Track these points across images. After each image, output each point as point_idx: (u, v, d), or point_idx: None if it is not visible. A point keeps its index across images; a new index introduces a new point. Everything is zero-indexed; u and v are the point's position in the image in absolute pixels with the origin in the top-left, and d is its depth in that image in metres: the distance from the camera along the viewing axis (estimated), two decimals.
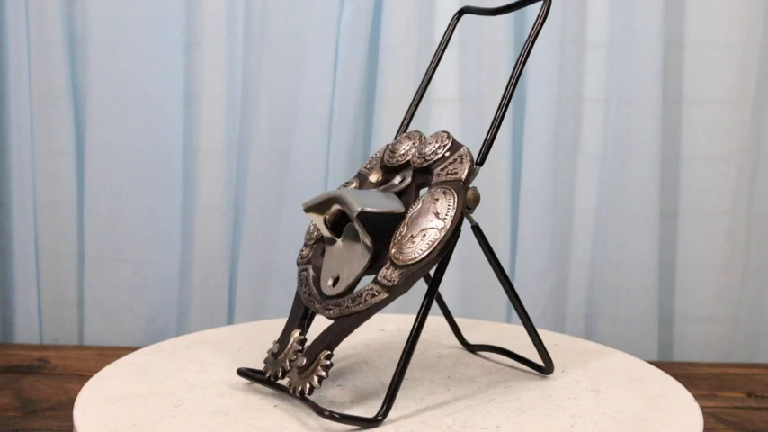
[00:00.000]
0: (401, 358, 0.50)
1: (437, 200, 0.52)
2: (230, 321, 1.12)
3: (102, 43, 1.07)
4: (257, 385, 0.57)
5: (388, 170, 0.58)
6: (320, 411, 0.50)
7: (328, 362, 0.51)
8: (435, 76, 1.09)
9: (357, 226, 0.52)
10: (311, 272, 0.56)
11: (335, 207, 0.54)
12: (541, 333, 0.73)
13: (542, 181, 1.06)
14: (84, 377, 0.59)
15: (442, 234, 0.50)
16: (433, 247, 0.50)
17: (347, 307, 0.52)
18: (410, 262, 0.50)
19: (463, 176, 0.53)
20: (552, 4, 1.06)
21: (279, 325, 0.69)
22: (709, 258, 1.08)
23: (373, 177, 0.58)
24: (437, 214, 0.51)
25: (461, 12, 0.64)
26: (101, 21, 1.07)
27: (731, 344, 1.09)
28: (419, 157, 0.55)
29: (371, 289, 0.51)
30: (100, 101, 1.08)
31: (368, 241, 0.53)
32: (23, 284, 1.11)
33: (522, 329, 0.63)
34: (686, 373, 0.98)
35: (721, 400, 0.92)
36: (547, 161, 1.06)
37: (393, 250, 0.51)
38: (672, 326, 1.11)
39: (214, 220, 1.10)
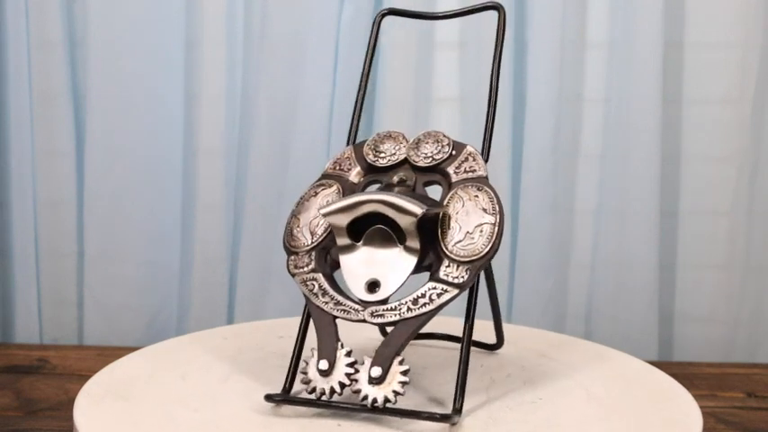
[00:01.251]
0: (462, 351, 0.52)
1: (476, 196, 0.54)
2: (230, 321, 1.12)
3: (102, 43, 1.07)
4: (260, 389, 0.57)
5: (376, 170, 0.57)
6: (407, 414, 0.50)
7: (406, 367, 0.50)
8: (435, 76, 1.09)
9: (413, 229, 0.52)
10: (323, 280, 0.54)
11: (364, 211, 0.52)
12: (542, 333, 0.73)
13: (542, 181, 1.06)
14: (84, 377, 0.59)
15: (496, 228, 0.53)
16: (492, 242, 0.53)
17: (409, 309, 0.52)
18: (475, 258, 0.52)
19: (486, 173, 0.56)
20: (551, 3, 1.06)
21: (279, 325, 0.69)
22: (709, 258, 1.08)
23: (354, 179, 0.57)
24: (485, 210, 0.54)
25: (385, 13, 0.63)
26: (101, 21, 1.07)
27: (731, 344, 1.09)
28: (425, 157, 0.56)
29: (435, 288, 0.52)
30: (100, 101, 1.08)
31: (416, 244, 0.53)
32: (23, 284, 1.11)
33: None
34: (686, 373, 0.98)
35: (721, 400, 0.92)
36: (547, 161, 1.06)
37: (451, 248, 0.52)
38: (672, 326, 1.11)
39: (214, 220, 1.10)
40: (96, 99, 1.08)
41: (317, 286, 0.53)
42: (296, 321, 0.71)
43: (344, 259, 0.54)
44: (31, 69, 1.08)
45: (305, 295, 0.54)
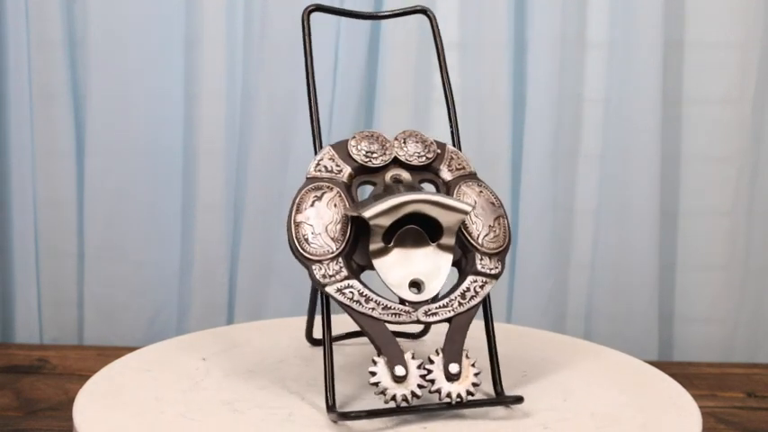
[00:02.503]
0: (488, 337, 0.54)
1: (481, 192, 0.58)
2: (230, 321, 1.12)
3: (102, 43, 1.07)
4: (261, 383, 0.57)
5: (367, 171, 0.56)
6: (487, 403, 0.52)
7: (474, 359, 0.52)
8: (435, 77, 1.09)
9: (456, 227, 0.54)
10: (360, 286, 0.52)
11: (407, 211, 0.52)
12: (541, 333, 0.73)
13: (542, 181, 1.06)
14: (84, 377, 0.59)
15: (507, 220, 0.57)
16: (509, 233, 0.57)
17: (460, 304, 0.53)
18: (501, 249, 0.56)
19: (474, 170, 0.59)
20: (551, 3, 1.06)
21: (279, 325, 0.69)
22: (709, 258, 1.08)
23: (346, 180, 0.56)
24: (493, 204, 0.57)
25: (312, 9, 0.62)
26: (101, 21, 1.07)
27: (731, 344, 1.09)
28: (417, 156, 0.57)
29: (476, 281, 0.54)
30: (100, 101, 1.08)
31: (452, 241, 0.54)
32: (23, 284, 1.11)
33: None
34: (686, 373, 0.98)
35: (721, 400, 0.92)
36: (547, 161, 1.06)
37: (481, 241, 0.55)
38: (672, 326, 1.11)
39: (214, 220, 1.10)
40: (96, 99, 1.08)
41: (356, 293, 0.52)
42: (296, 321, 0.71)
43: (380, 262, 0.53)
44: (31, 69, 1.08)
45: (344, 305, 0.52)
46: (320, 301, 0.53)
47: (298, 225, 0.54)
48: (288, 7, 1.06)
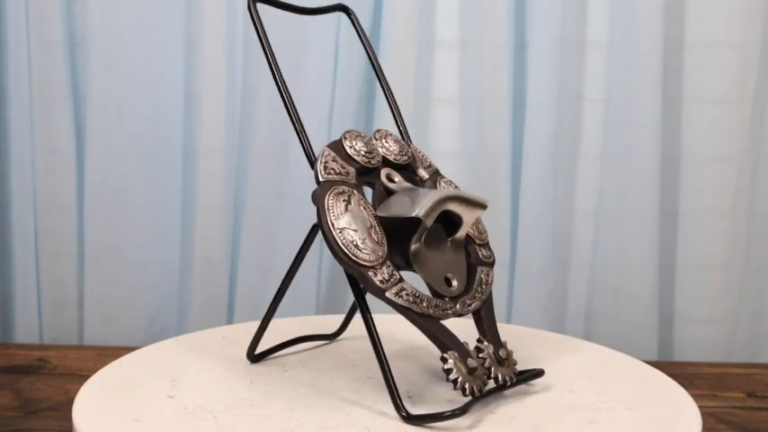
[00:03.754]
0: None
1: (456, 187, 0.60)
2: (230, 321, 1.12)
3: (102, 44, 1.07)
4: (260, 378, 0.57)
5: (368, 171, 0.56)
6: (527, 378, 0.56)
7: (505, 340, 0.56)
8: (435, 77, 1.09)
9: (472, 222, 0.56)
10: (410, 287, 0.52)
11: (445, 208, 0.54)
12: (542, 334, 0.73)
13: (542, 181, 1.06)
14: (84, 377, 0.59)
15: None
16: (482, 224, 0.60)
17: (481, 293, 0.56)
18: (487, 240, 0.60)
19: (437, 167, 0.61)
20: (551, 3, 1.06)
21: (279, 325, 0.69)
22: (709, 258, 1.08)
23: (355, 181, 0.56)
24: None
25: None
26: (101, 21, 1.07)
27: (731, 344, 1.09)
28: (403, 155, 0.58)
29: (483, 271, 0.57)
30: (100, 101, 1.08)
31: (464, 236, 0.57)
32: (23, 284, 1.11)
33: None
34: (686, 373, 0.98)
35: (721, 400, 0.92)
36: (546, 161, 1.06)
37: (475, 234, 0.58)
38: (672, 326, 1.11)
39: (214, 220, 1.10)
40: (96, 99, 1.08)
41: (411, 295, 0.52)
42: (296, 321, 0.71)
43: (416, 261, 0.54)
44: (31, 69, 1.08)
45: (404, 308, 0.51)
46: (361, 307, 0.53)
47: (341, 231, 0.52)
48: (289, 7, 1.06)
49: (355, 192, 0.54)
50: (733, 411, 0.88)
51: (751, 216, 1.08)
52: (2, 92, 1.09)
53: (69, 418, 0.53)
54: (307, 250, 0.58)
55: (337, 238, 0.51)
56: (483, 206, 0.55)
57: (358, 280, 0.52)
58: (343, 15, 1.10)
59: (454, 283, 0.55)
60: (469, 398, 0.51)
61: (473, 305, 0.55)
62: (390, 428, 0.50)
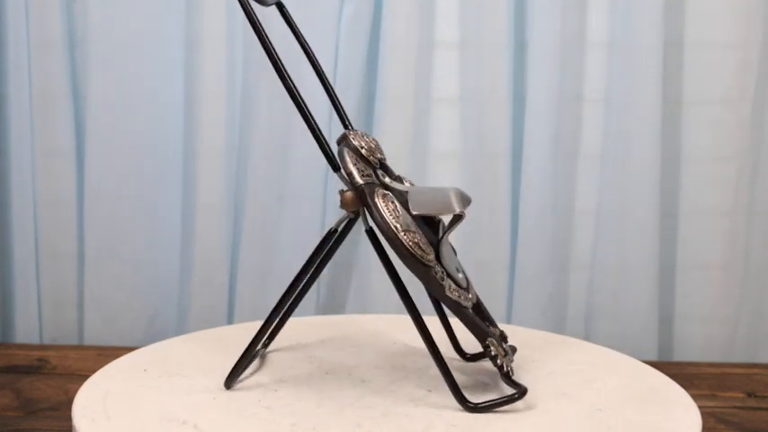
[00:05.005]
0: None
1: (412, 184, 0.60)
2: (230, 321, 1.12)
3: (102, 43, 1.07)
4: (259, 377, 0.57)
5: (375, 170, 0.57)
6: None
7: None
8: (435, 77, 1.09)
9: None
10: (450, 281, 0.54)
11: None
12: (542, 334, 0.73)
13: (542, 181, 1.06)
14: (84, 377, 0.59)
15: None
16: None
17: (473, 286, 0.58)
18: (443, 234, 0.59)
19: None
20: (551, 3, 1.06)
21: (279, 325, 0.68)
22: (709, 258, 1.08)
23: (380, 182, 0.57)
24: None
25: None
26: (101, 21, 1.07)
27: (731, 344, 1.09)
28: (382, 154, 0.59)
29: (458, 269, 0.58)
30: (100, 101, 1.08)
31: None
32: (23, 284, 1.11)
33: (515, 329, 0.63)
34: (686, 373, 0.98)
35: (721, 400, 0.92)
36: (547, 161, 1.06)
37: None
38: (672, 326, 1.11)
39: (214, 221, 1.10)
40: (96, 99, 1.08)
41: (456, 290, 0.54)
42: (296, 321, 0.71)
43: (441, 254, 0.55)
44: (31, 69, 1.08)
45: (456, 303, 0.53)
46: (412, 307, 0.54)
47: (406, 233, 0.52)
48: (288, 7, 1.06)
49: (388, 192, 0.54)
50: (733, 411, 0.88)
51: (751, 216, 1.08)
52: (2, 92, 1.09)
53: (69, 418, 0.53)
54: (328, 258, 0.56)
55: (404, 241, 0.51)
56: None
57: (422, 280, 0.52)
58: (343, 15, 1.10)
59: (460, 275, 0.56)
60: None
61: (475, 294, 0.57)
62: (461, 419, 0.52)
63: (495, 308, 1.08)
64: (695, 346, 1.10)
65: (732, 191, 1.07)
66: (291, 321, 0.72)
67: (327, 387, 0.57)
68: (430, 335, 0.52)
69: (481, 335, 0.53)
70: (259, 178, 1.09)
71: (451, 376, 0.52)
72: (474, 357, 0.63)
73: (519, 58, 1.07)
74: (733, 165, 1.06)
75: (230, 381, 0.57)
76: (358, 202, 0.52)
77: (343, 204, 0.52)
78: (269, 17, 1.07)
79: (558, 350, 0.66)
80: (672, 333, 1.11)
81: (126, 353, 0.64)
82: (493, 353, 0.53)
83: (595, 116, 1.08)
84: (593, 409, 0.54)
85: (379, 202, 0.52)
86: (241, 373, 0.58)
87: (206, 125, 1.09)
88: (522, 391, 0.53)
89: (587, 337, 1.09)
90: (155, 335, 1.10)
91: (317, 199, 1.09)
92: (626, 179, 1.06)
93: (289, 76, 0.57)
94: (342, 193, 0.53)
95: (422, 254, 0.52)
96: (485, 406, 0.52)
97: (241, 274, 1.10)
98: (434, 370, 0.59)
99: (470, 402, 0.52)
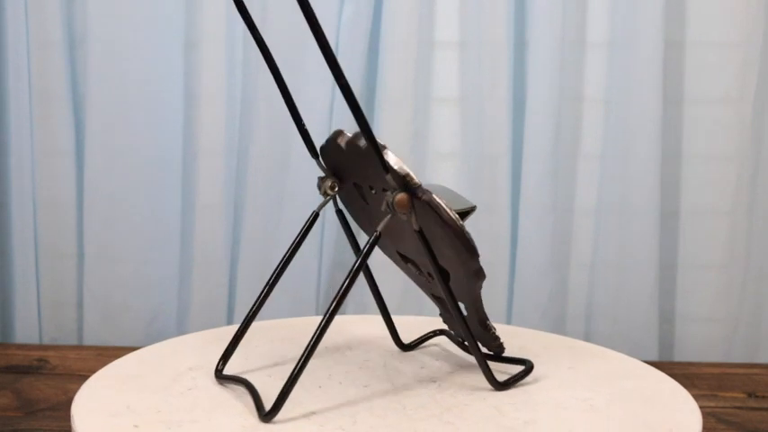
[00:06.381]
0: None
1: None
2: (230, 321, 1.12)
3: (102, 43, 1.07)
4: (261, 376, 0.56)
5: None
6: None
7: None
8: (435, 77, 1.09)
9: None
10: None
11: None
12: (542, 334, 0.73)
13: (542, 181, 1.06)
14: (83, 377, 0.59)
15: None
16: None
17: None
18: None
19: None
20: (551, 3, 1.06)
21: (279, 325, 0.69)
22: (709, 258, 1.08)
23: None
24: None
25: None
26: (101, 21, 1.07)
27: (731, 344, 1.09)
28: None
29: None
30: (100, 101, 1.08)
31: None
32: (23, 284, 1.11)
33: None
34: (686, 373, 0.98)
35: (721, 400, 0.92)
36: (547, 161, 1.06)
37: None
38: (672, 326, 1.11)
39: (214, 221, 1.10)
40: (96, 99, 1.08)
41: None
42: (296, 322, 0.71)
43: None
44: (31, 69, 1.08)
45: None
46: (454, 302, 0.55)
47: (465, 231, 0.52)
48: (288, 7, 1.06)
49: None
50: (733, 411, 0.88)
51: (751, 216, 1.08)
52: (2, 92, 1.09)
53: (69, 419, 0.53)
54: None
55: (468, 237, 0.52)
56: None
57: (476, 275, 0.53)
58: (343, 15, 1.10)
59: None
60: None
61: None
62: (489, 396, 0.55)
63: (495, 307, 1.08)
64: (696, 346, 1.10)
65: (732, 190, 1.07)
66: (291, 321, 0.72)
67: (327, 386, 0.57)
68: (468, 328, 0.55)
69: (484, 316, 0.56)
70: (259, 178, 1.09)
71: (483, 361, 0.55)
72: (411, 346, 0.65)
73: (519, 57, 1.07)
74: (733, 164, 1.07)
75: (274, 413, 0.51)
76: (410, 202, 0.51)
77: (398, 207, 0.51)
78: (270, 17, 1.08)
79: (557, 350, 0.66)
80: (672, 333, 1.11)
81: (126, 353, 0.64)
82: (496, 333, 0.56)
83: (595, 116, 1.08)
84: (593, 408, 0.54)
85: (439, 203, 0.51)
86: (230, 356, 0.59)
87: (206, 125, 1.09)
88: (529, 366, 0.57)
89: (587, 337, 1.09)
90: (155, 335, 1.10)
91: (316, 199, 1.09)
92: (626, 179, 1.06)
93: (280, 75, 0.57)
94: (393, 194, 0.51)
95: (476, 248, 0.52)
96: (510, 382, 0.56)
97: (241, 274, 1.10)
98: (433, 369, 0.59)
99: (498, 383, 0.55)
